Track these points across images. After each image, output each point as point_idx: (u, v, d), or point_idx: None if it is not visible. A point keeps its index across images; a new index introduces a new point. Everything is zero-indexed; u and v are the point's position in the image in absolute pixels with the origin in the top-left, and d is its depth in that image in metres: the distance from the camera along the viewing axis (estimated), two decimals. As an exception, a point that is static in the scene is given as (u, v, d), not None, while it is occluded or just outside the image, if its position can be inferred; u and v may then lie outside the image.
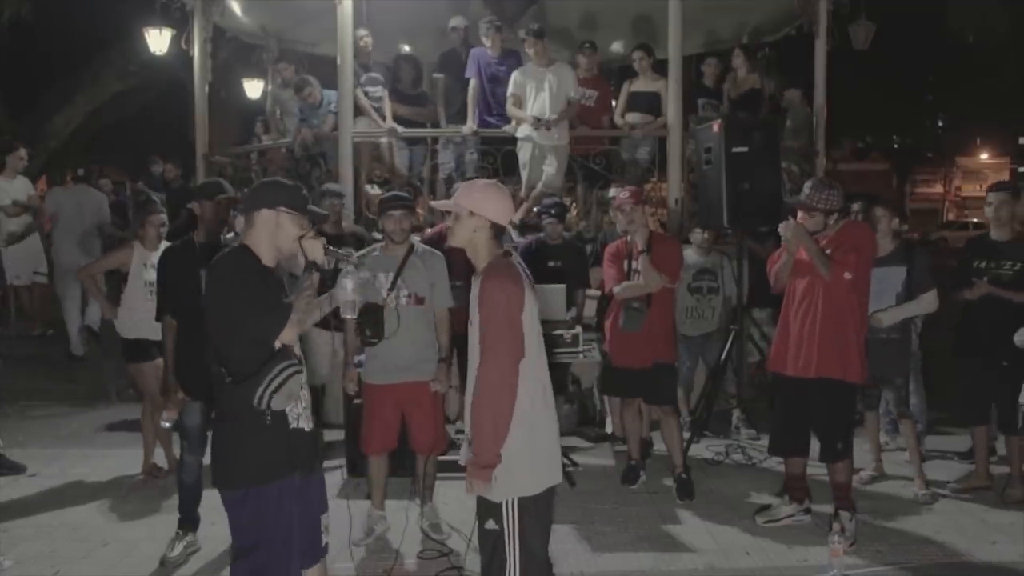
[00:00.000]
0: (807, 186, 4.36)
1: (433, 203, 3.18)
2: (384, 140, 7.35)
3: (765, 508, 4.61)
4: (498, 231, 2.86)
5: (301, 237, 2.86)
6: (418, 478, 4.53)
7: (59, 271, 8.26)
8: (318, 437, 2.99)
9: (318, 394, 6.31)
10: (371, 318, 4.14)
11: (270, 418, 2.74)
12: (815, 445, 4.45)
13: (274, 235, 2.83)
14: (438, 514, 4.50)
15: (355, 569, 4.05)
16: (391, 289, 4.22)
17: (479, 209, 2.82)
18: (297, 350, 2.87)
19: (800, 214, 4.27)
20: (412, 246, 4.37)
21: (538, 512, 2.82)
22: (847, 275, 4.12)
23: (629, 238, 4.97)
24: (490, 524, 2.82)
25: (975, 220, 30.46)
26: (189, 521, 4.20)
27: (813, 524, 4.47)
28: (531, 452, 2.78)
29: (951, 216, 35.46)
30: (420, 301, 4.24)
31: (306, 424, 2.89)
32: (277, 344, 2.76)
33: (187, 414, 4.13)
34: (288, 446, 2.80)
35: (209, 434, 4.20)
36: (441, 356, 4.35)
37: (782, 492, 4.66)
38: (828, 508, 4.43)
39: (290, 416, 2.82)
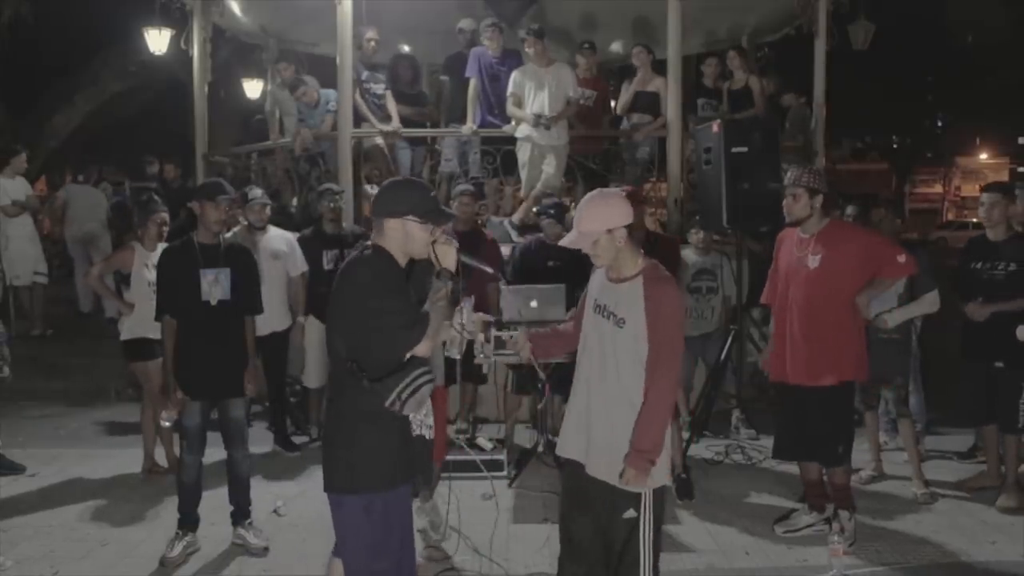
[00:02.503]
0: (788, 174, 4.37)
1: (563, 243, 3.17)
2: (379, 140, 7.34)
3: (784, 517, 4.51)
4: (632, 232, 2.96)
5: (433, 242, 2.77)
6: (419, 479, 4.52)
7: (71, 242, 9.18)
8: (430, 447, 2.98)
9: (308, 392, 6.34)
10: None
11: (398, 421, 2.72)
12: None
13: (404, 243, 2.74)
14: (439, 513, 4.50)
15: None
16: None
17: (612, 223, 2.91)
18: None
19: (786, 202, 4.22)
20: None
21: (666, 500, 3.06)
22: (901, 258, 4.11)
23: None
24: (629, 513, 2.93)
25: (975, 220, 30.43)
26: (189, 521, 4.20)
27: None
28: (667, 443, 2.97)
29: (951, 216, 35.44)
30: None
31: (427, 432, 2.88)
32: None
33: (187, 415, 4.13)
34: (411, 452, 2.79)
35: (243, 431, 4.26)
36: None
37: (803, 498, 4.58)
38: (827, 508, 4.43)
39: (414, 423, 2.81)
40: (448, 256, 2.78)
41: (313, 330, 5.84)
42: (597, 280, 3.13)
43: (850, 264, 4.11)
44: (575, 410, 3.09)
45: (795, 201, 4.18)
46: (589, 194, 3.11)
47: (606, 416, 2.96)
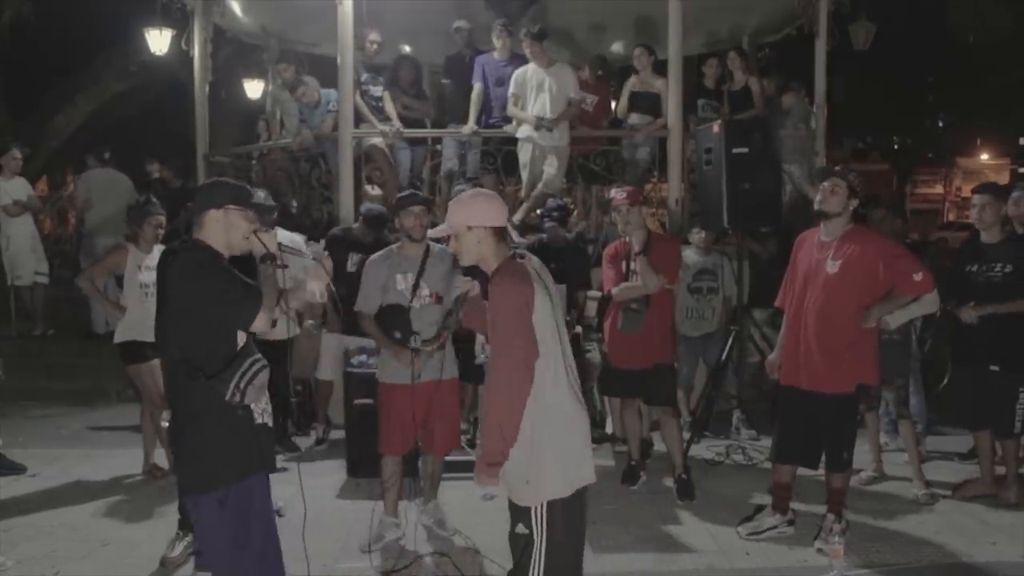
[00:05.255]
0: (837, 166, 4.33)
1: (431, 232, 3.23)
2: (379, 140, 7.35)
3: (748, 519, 4.50)
4: (500, 235, 2.87)
5: (255, 231, 2.93)
6: (424, 476, 4.52)
7: (92, 234, 8.54)
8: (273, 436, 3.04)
9: (311, 391, 6.36)
10: (398, 320, 4.13)
11: (240, 413, 2.76)
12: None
13: (225, 233, 2.89)
14: (443, 512, 4.50)
15: (354, 569, 4.05)
16: (414, 289, 4.21)
17: (474, 220, 2.85)
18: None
19: (822, 191, 4.12)
20: (428, 245, 4.37)
21: (569, 516, 2.83)
22: (917, 276, 4.03)
23: (628, 239, 4.97)
24: (520, 528, 2.83)
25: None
26: (190, 521, 4.19)
27: (814, 525, 4.46)
28: (560, 453, 2.80)
29: (951, 217, 35.36)
30: (440, 300, 4.24)
31: (269, 420, 2.91)
32: (241, 340, 2.81)
33: None
34: (257, 442, 2.83)
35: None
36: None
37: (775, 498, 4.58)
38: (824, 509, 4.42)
39: (256, 411, 2.84)
40: (271, 241, 2.95)
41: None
42: None
43: (869, 272, 4.04)
44: None
45: (832, 193, 4.08)
46: (468, 191, 3.14)
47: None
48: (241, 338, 2.85)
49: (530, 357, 2.73)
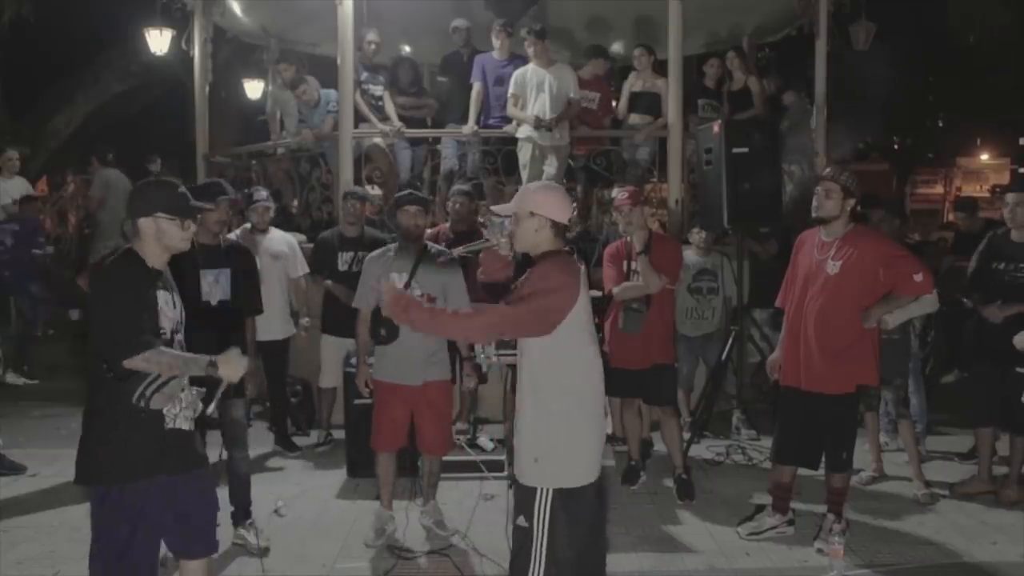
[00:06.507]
0: (827, 169, 4.31)
1: (494, 208, 3.22)
2: (380, 140, 7.34)
3: (748, 519, 4.51)
4: (559, 230, 2.91)
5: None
6: (422, 476, 4.54)
7: (105, 236, 8.50)
8: (197, 437, 3.01)
9: (311, 394, 6.36)
10: (386, 319, 4.14)
11: (144, 415, 2.76)
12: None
13: (157, 241, 2.85)
14: (442, 512, 4.51)
15: (355, 570, 4.05)
16: (406, 288, 4.22)
17: (540, 209, 2.88)
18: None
19: (817, 196, 4.12)
20: (425, 246, 4.38)
21: (573, 512, 2.82)
22: (918, 277, 4.00)
23: (629, 239, 4.97)
24: (521, 521, 2.83)
25: (976, 220, 30.31)
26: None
27: (814, 525, 4.47)
28: (572, 446, 2.83)
29: (952, 217, 35.39)
30: (432, 300, 4.24)
31: (184, 424, 2.89)
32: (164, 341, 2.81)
33: None
34: (163, 445, 2.81)
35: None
36: (464, 356, 4.49)
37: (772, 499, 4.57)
38: (824, 509, 4.42)
39: (167, 416, 2.83)
40: (235, 372, 2.78)
41: (325, 335, 5.90)
42: None
43: (870, 273, 4.04)
44: None
45: (827, 197, 4.07)
46: (538, 183, 3.16)
47: (517, 415, 2.94)
48: (163, 341, 2.83)
49: (527, 329, 2.78)
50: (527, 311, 2.76)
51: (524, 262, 2.99)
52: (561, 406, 2.81)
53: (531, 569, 2.79)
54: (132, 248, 2.86)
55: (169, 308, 2.90)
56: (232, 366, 2.77)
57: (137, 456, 2.78)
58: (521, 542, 2.82)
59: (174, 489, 2.86)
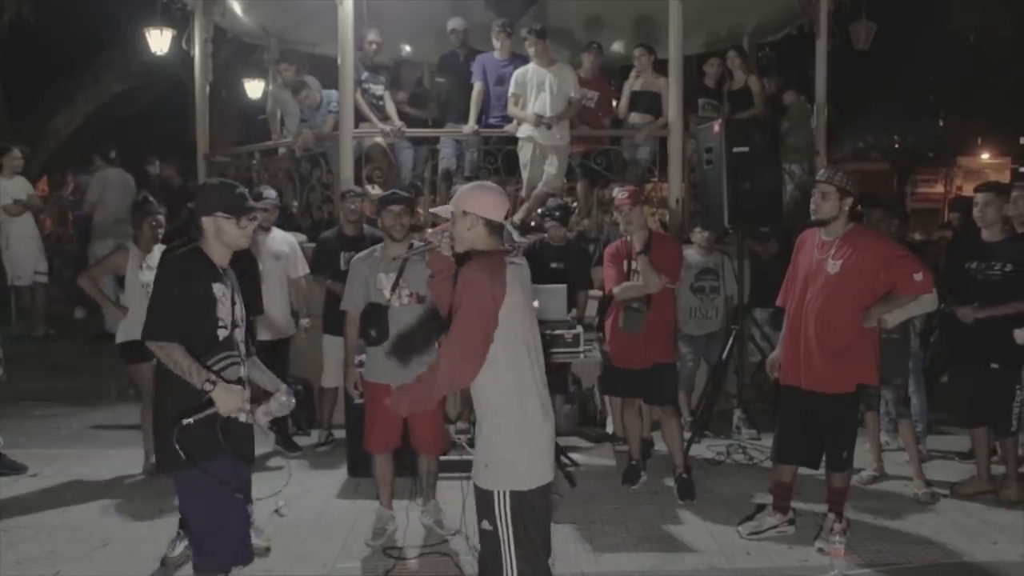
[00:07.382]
0: (821, 171, 4.31)
1: (432, 209, 3.24)
2: (381, 140, 7.34)
3: (749, 519, 4.51)
4: (494, 228, 2.88)
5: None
6: (421, 476, 4.53)
7: (101, 235, 8.55)
8: (252, 431, 3.14)
9: (311, 394, 6.35)
10: (375, 318, 4.14)
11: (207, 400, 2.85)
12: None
13: (217, 239, 3.03)
14: (442, 512, 4.51)
15: (355, 569, 4.05)
16: (393, 288, 4.21)
17: (471, 208, 2.87)
18: None
19: (814, 198, 4.12)
20: (411, 245, 4.37)
21: (532, 512, 2.82)
22: (918, 276, 4.00)
23: (629, 238, 4.97)
24: (484, 525, 2.82)
25: (976, 220, 30.26)
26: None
27: (815, 525, 4.47)
28: (525, 450, 2.81)
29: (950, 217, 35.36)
30: (421, 300, 4.23)
31: (241, 416, 2.99)
32: (223, 333, 2.97)
33: None
34: (224, 430, 2.92)
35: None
36: None
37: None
38: (825, 508, 4.42)
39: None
40: (229, 404, 2.89)
41: (326, 335, 5.90)
42: None
43: (870, 272, 4.03)
44: None
45: (824, 199, 4.08)
46: (477, 182, 3.16)
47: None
48: (223, 332, 2.99)
49: (478, 350, 2.74)
50: (459, 353, 2.74)
51: (460, 262, 2.98)
52: (504, 410, 2.80)
53: (504, 571, 2.79)
54: (198, 246, 3.03)
55: (227, 301, 3.03)
56: (225, 399, 2.87)
57: (208, 438, 2.89)
58: (488, 545, 2.83)
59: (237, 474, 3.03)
